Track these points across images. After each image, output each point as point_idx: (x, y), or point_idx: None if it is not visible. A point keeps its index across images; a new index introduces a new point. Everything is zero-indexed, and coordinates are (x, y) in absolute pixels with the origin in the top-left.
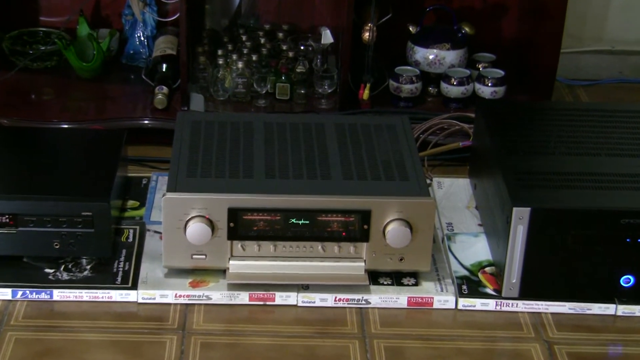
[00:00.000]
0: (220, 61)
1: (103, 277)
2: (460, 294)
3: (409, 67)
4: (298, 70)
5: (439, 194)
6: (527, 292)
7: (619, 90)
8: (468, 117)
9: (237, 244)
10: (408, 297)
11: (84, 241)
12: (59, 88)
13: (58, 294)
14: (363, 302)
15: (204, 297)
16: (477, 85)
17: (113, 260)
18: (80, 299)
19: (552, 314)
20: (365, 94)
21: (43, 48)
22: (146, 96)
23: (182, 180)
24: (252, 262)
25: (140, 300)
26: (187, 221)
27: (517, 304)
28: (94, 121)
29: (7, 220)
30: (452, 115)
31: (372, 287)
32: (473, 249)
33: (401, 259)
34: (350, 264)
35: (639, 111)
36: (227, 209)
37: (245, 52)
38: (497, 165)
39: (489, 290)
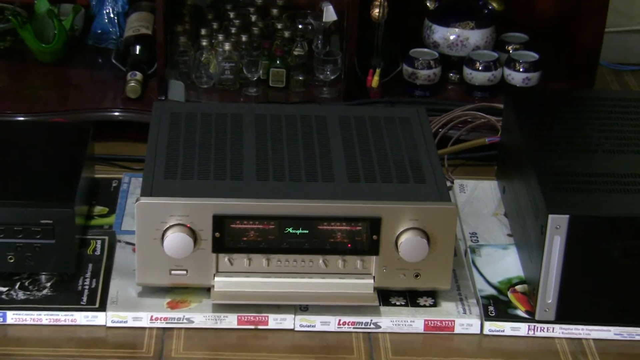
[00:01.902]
0: (204, 42)
1: (66, 297)
2: (486, 316)
3: (426, 50)
4: (295, 53)
5: (461, 199)
6: (565, 314)
7: None
8: (496, 108)
9: (224, 258)
10: (425, 320)
11: (43, 254)
12: (14, 74)
13: (13, 317)
14: (372, 325)
15: (185, 320)
16: (507, 71)
17: (77, 277)
18: (38, 323)
19: (594, 340)
20: (375, 81)
21: None
22: (117, 83)
23: (158, 182)
24: (241, 278)
25: (109, 324)
26: (165, 230)
27: (553, 328)
28: (55, 113)
29: None
30: (477, 106)
31: (383, 308)
32: (501, 263)
33: (417, 276)
34: (357, 281)
35: None
36: (212, 216)
37: (233, 31)
38: (530, 165)
39: (521, 313)
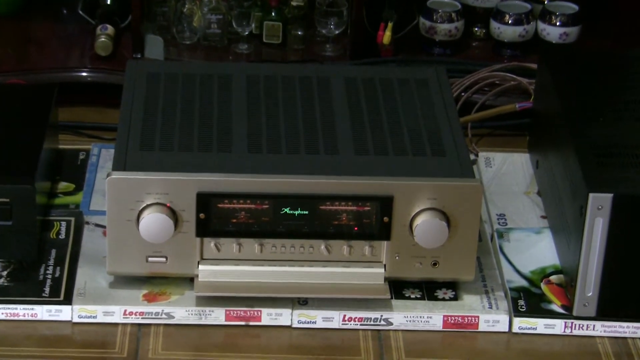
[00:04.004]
0: None
1: (25, 288)
2: (516, 311)
3: (446, 0)
4: (294, 3)
5: (487, 175)
6: (608, 309)
7: None
8: (528, 68)
9: (210, 243)
10: (444, 316)
11: None
12: None
13: None
14: (382, 322)
15: (164, 315)
16: (541, 25)
17: (39, 265)
18: None
19: None
20: (387, 36)
21: None
22: (84, 39)
23: (133, 154)
24: (229, 267)
25: (76, 319)
26: (141, 211)
27: (594, 325)
28: (12, 73)
29: None
30: (506, 67)
31: (395, 302)
32: (533, 250)
33: (435, 264)
34: (365, 270)
35: None
36: (196, 195)
37: None
38: (567, 135)
39: (556, 307)
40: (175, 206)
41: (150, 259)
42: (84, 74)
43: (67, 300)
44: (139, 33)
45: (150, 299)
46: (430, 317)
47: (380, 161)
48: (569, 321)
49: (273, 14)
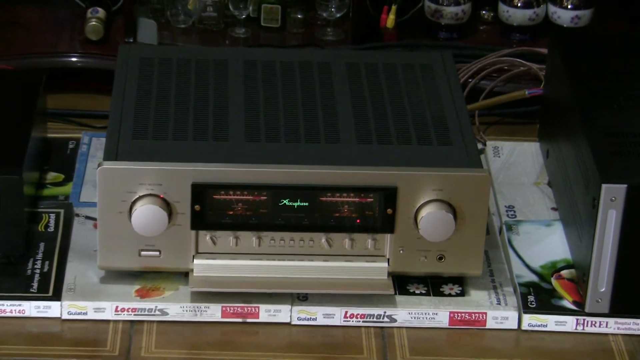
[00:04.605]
0: None
1: (12, 283)
2: (525, 308)
3: None
4: None
5: (495, 165)
6: (621, 305)
7: None
8: (538, 53)
9: (205, 236)
10: (450, 313)
11: None
12: None
13: None
14: (386, 319)
15: (157, 312)
16: (552, 8)
17: (27, 259)
18: None
19: None
20: (390, 20)
21: None
22: (74, 22)
23: (125, 143)
24: (226, 261)
25: (65, 316)
26: (133, 202)
27: (607, 322)
28: None
29: None
30: (515, 51)
31: (399, 297)
32: (544, 243)
33: (440, 258)
34: (368, 264)
35: None
36: (191, 185)
37: None
38: (579, 123)
39: (567, 303)
40: (169, 197)
41: (143, 252)
42: (74, 59)
43: (56, 296)
44: (132, 16)
45: (143, 294)
46: (436, 314)
47: (384, 150)
48: (581, 318)
49: None
